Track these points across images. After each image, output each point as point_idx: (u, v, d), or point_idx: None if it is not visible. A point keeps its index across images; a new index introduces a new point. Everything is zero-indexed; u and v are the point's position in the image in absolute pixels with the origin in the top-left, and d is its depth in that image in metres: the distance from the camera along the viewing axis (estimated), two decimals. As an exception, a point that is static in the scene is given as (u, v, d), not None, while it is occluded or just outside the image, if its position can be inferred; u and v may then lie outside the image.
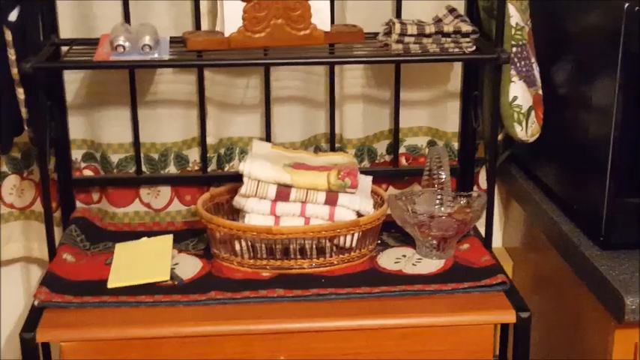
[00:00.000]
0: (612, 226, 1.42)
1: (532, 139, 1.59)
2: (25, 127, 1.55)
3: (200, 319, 1.36)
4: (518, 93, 1.55)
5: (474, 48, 1.53)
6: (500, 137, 1.60)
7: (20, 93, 1.49)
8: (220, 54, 1.54)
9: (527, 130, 1.57)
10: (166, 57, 1.47)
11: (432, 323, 1.38)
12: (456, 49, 1.52)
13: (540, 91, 1.58)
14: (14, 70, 1.47)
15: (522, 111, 1.55)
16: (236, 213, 1.59)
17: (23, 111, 1.52)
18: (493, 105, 1.54)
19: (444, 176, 1.56)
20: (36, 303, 1.38)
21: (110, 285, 1.43)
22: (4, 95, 1.50)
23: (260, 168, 1.50)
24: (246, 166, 1.50)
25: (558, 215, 1.58)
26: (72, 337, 1.32)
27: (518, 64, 1.54)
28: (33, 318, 1.35)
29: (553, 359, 1.67)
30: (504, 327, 1.57)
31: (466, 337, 1.38)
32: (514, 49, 1.53)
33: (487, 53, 1.51)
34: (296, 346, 1.36)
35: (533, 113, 1.56)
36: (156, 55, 1.46)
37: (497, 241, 1.91)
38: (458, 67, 1.74)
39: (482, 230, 1.64)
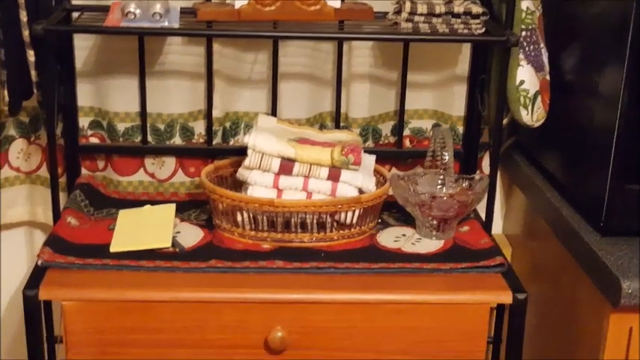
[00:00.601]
0: (613, 213, 1.44)
1: (537, 125, 1.60)
2: (35, 90, 1.56)
3: (199, 285, 1.37)
4: (526, 77, 1.55)
5: (484, 30, 1.53)
6: (505, 122, 1.61)
7: (31, 55, 1.51)
8: (230, 26, 1.55)
9: (532, 115, 1.58)
10: (176, 25, 1.48)
11: (427, 300, 1.39)
12: (465, 30, 1.52)
13: (548, 77, 1.59)
14: (25, 32, 1.49)
15: (529, 95, 1.56)
16: (239, 186, 1.61)
17: (33, 74, 1.53)
18: (500, 88, 1.54)
19: (447, 157, 1.57)
20: (39, 263, 1.39)
21: (113, 249, 1.45)
22: (14, 57, 1.52)
23: (265, 141, 1.51)
24: (251, 139, 1.52)
25: (559, 201, 1.59)
26: (73, 297, 1.34)
27: (527, 48, 1.55)
28: (36, 277, 1.37)
29: (548, 344, 1.68)
30: (500, 311, 1.58)
31: (461, 316, 1.39)
32: (523, 33, 1.54)
33: (496, 35, 1.51)
34: (292, 317, 1.37)
35: (539, 98, 1.57)
36: (166, 24, 1.47)
37: (497, 228, 1.92)
38: (466, 50, 1.74)
39: (482, 215, 1.65)
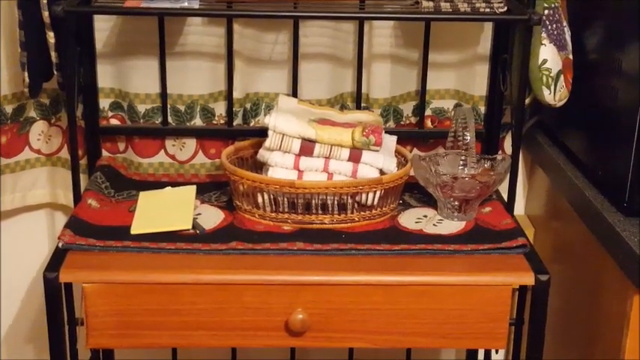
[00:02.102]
0: (636, 193, 1.42)
1: (559, 104, 1.58)
2: (55, 72, 1.56)
3: (220, 267, 1.37)
4: (548, 56, 1.53)
5: (505, 8, 1.51)
6: (527, 101, 1.59)
7: (50, 37, 1.50)
8: (250, 6, 1.54)
9: (555, 95, 1.56)
10: (196, 6, 1.48)
11: (449, 282, 1.38)
12: (487, 9, 1.50)
13: (570, 56, 1.57)
14: (45, 14, 1.48)
15: (551, 74, 1.54)
16: (259, 168, 1.60)
17: (53, 55, 1.53)
18: (522, 67, 1.52)
19: (469, 137, 1.56)
20: (60, 245, 1.39)
21: (133, 231, 1.45)
22: (34, 38, 1.52)
23: (285, 122, 1.50)
24: (271, 120, 1.51)
25: (582, 182, 1.57)
26: (94, 279, 1.34)
27: (549, 27, 1.53)
28: (56, 259, 1.37)
29: (570, 326, 1.67)
30: (522, 292, 1.57)
31: (484, 297, 1.38)
32: (546, 12, 1.52)
33: (518, 14, 1.49)
34: (314, 299, 1.37)
35: (562, 77, 1.55)
36: (186, 4, 1.46)
37: (519, 209, 1.91)
38: (488, 30, 1.72)
39: (505, 196, 1.64)
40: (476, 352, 1.89)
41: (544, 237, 1.82)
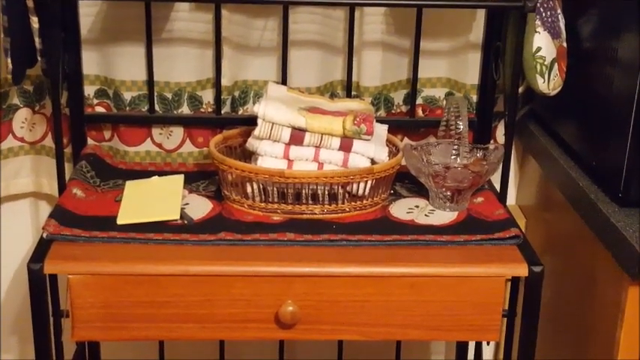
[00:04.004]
0: (632, 183, 1.40)
1: (553, 93, 1.56)
2: (39, 58, 1.52)
3: (208, 258, 1.35)
4: (542, 44, 1.51)
5: (499, -5, 1.49)
6: (521, 90, 1.57)
7: (34, 22, 1.47)
8: (239, -9, 1.51)
9: (549, 83, 1.54)
10: (184, -9, 1.45)
11: (442, 273, 1.36)
12: (481, -4, 1.48)
13: (565, 44, 1.55)
14: (29, -2, 1.45)
15: (545, 63, 1.52)
16: (248, 157, 1.57)
17: (37, 41, 1.49)
18: (516, 55, 1.50)
19: (461, 127, 1.53)
20: (44, 235, 1.36)
21: (120, 221, 1.42)
22: (17, 24, 1.48)
23: (275, 110, 1.48)
24: (260, 108, 1.48)
25: (576, 172, 1.56)
26: (80, 270, 1.31)
27: (543, 14, 1.50)
28: (41, 250, 1.34)
29: (563, 318, 1.65)
30: (515, 284, 1.55)
31: (476, 289, 1.36)
32: (540, -1, 1.50)
33: (512, 1, 1.47)
34: (304, 290, 1.34)
35: (556, 66, 1.53)
36: (173, -11, 1.43)
37: (510, 199, 1.89)
38: (481, 17, 1.70)
39: (497, 186, 1.62)
40: (466, 348, 1.88)
41: (536, 227, 1.80)
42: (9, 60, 1.51)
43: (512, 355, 1.46)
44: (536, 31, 1.51)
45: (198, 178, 1.62)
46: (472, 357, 1.77)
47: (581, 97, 1.59)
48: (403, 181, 1.61)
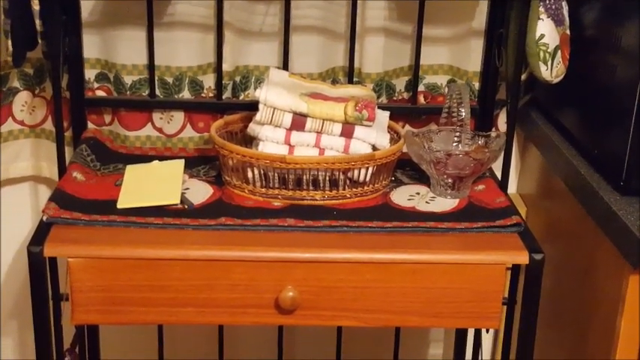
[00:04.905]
0: (633, 172, 1.39)
1: (556, 80, 1.55)
2: (39, 40, 1.52)
3: (208, 243, 1.34)
4: (546, 31, 1.50)
5: (503, -18, 1.48)
6: (523, 77, 1.56)
7: (35, 4, 1.46)
8: (241, -25, 1.50)
9: (552, 71, 1.53)
10: (186, -26, 1.44)
11: (442, 260, 1.35)
12: (484, -18, 1.47)
13: (568, 31, 1.54)
14: (30, -20, 1.44)
15: (548, 50, 1.51)
16: (249, 142, 1.57)
17: (37, 23, 1.48)
18: (519, 42, 1.49)
19: (463, 113, 1.53)
20: (44, 218, 1.36)
21: (120, 205, 1.41)
22: (18, 6, 1.47)
23: (277, 95, 1.47)
24: (262, 93, 1.47)
25: (578, 160, 1.55)
26: (79, 254, 1.30)
27: (547, 1, 1.50)
28: (41, 233, 1.33)
29: (562, 306, 1.65)
30: (515, 271, 1.55)
31: (477, 276, 1.36)
32: (544, -15, 1.49)
33: (516, -13, 1.46)
34: (304, 276, 1.34)
35: (559, 53, 1.52)
36: (175, -28, 1.42)
37: (511, 187, 1.89)
38: (483, 4, 1.69)
39: (498, 174, 1.61)
40: (465, 336, 1.87)
41: (536, 216, 1.80)
42: (9, 42, 1.50)
43: (512, 343, 1.45)
44: (539, 18, 1.50)
45: (198, 163, 1.61)
46: (471, 345, 1.77)
47: (583, 85, 1.58)
48: (404, 168, 1.61)
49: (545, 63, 1.52)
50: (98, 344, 1.83)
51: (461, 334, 1.89)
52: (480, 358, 1.71)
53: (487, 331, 1.62)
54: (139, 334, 1.93)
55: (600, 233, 1.41)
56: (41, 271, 1.31)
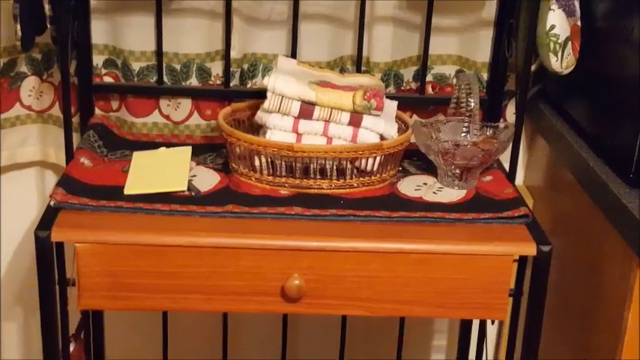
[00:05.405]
0: (643, 164, 1.39)
1: (566, 72, 1.54)
2: (48, 25, 1.51)
3: (215, 230, 1.34)
4: (557, 22, 1.50)
5: (514, -28, 1.47)
6: (533, 68, 1.55)
7: (44, -12, 1.46)
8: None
9: (562, 62, 1.52)
10: (196, -40, 1.43)
11: (449, 251, 1.35)
12: (496, -28, 1.47)
13: (579, 22, 1.53)
14: (39, -36, 1.44)
15: (559, 41, 1.50)
16: (256, 130, 1.56)
17: (46, 8, 1.48)
18: (529, 33, 1.49)
19: (472, 104, 1.52)
20: (52, 203, 1.36)
21: (127, 192, 1.41)
22: (27, -10, 1.47)
23: (285, 83, 1.46)
24: (270, 81, 1.47)
25: (587, 152, 1.54)
26: (87, 239, 1.30)
27: (558, -8, 1.49)
28: (48, 218, 1.33)
29: (568, 299, 1.65)
30: (521, 263, 1.55)
31: (484, 267, 1.35)
32: (555, -24, 1.48)
33: (527, -22, 1.46)
34: (310, 265, 1.34)
35: (569, 44, 1.51)
36: (185, -42, 1.42)
37: (518, 179, 1.87)
38: (494, -7, 1.68)
39: (505, 165, 1.61)
40: (469, 328, 1.87)
41: (543, 208, 1.79)
42: (18, 27, 1.49)
43: (517, 335, 1.45)
44: (550, 9, 1.49)
45: (205, 151, 1.61)
46: (475, 336, 1.77)
47: (593, 77, 1.57)
48: (411, 158, 1.60)
49: (556, 54, 1.51)
50: (103, 333, 1.83)
51: (465, 326, 1.89)
52: (484, 349, 1.70)
53: (492, 322, 1.61)
54: (142, 334, 1.93)
55: (609, 226, 1.41)
56: (48, 256, 1.31)
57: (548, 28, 1.50)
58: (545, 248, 1.35)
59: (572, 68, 1.55)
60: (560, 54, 1.51)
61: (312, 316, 1.59)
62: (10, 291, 1.91)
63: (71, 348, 1.48)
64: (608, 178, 1.44)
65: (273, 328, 1.91)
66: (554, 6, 1.49)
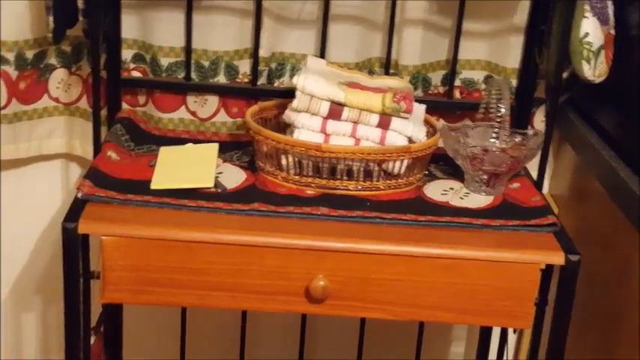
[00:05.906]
0: (674, 176, 1.38)
1: (598, 80, 1.53)
2: (80, 18, 1.51)
3: (241, 228, 1.33)
4: (590, 30, 1.48)
5: (549, -22, 1.46)
6: (565, 75, 1.54)
7: (77, -19, 1.46)
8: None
9: (595, 70, 1.51)
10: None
11: (476, 257, 1.33)
12: (530, -22, 1.46)
13: (613, 31, 1.52)
14: (73, -44, 1.44)
15: (592, 49, 1.49)
16: (282, 129, 1.56)
17: (79, 1, 1.48)
18: (562, 40, 1.47)
19: (503, 110, 1.51)
20: (79, 195, 1.35)
21: (153, 186, 1.41)
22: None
23: (314, 83, 1.46)
24: (300, 80, 1.46)
25: (616, 162, 1.53)
26: (113, 232, 1.30)
27: (592, 0, 1.47)
28: (75, 210, 1.33)
29: (593, 311, 1.63)
30: (547, 272, 1.53)
31: (510, 274, 1.34)
32: (590, -17, 1.47)
33: (563, -16, 1.44)
34: (335, 266, 1.33)
35: (603, 53, 1.50)
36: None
37: (543, 187, 1.86)
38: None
39: (533, 173, 1.60)
40: (489, 335, 1.85)
41: (568, 217, 1.77)
42: (50, 18, 1.50)
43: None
44: (584, 16, 1.48)
45: (231, 148, 1.61)
46: (494, 345, 1.75)
47: (624, 86, 1.56)
48: (438, 162, 1.59)
49: (589, 62, 1.50)
50: (121, 329, 1.83)
51: (485, 333, 1.87)
52: (505, 357, 1.69)
53: (515, 331, 1.61)
54: (159, 334, 1.93)
55: (638, 237, 1.39)
56: (74, 248, 1.30)
57: (582, 35, 1.49)
58: (574, 258, 1.33)
59: (604, 77, 1.53)
60: (593, 62, 1.50)
61: (330, 316, 1.58)
62: (31, 280, 1.91)
63: (91, 341, 1.48)
64: (639, 189, 1.42)
65: (291, 328, 1.90)
66: (588, 13, 1.48)
